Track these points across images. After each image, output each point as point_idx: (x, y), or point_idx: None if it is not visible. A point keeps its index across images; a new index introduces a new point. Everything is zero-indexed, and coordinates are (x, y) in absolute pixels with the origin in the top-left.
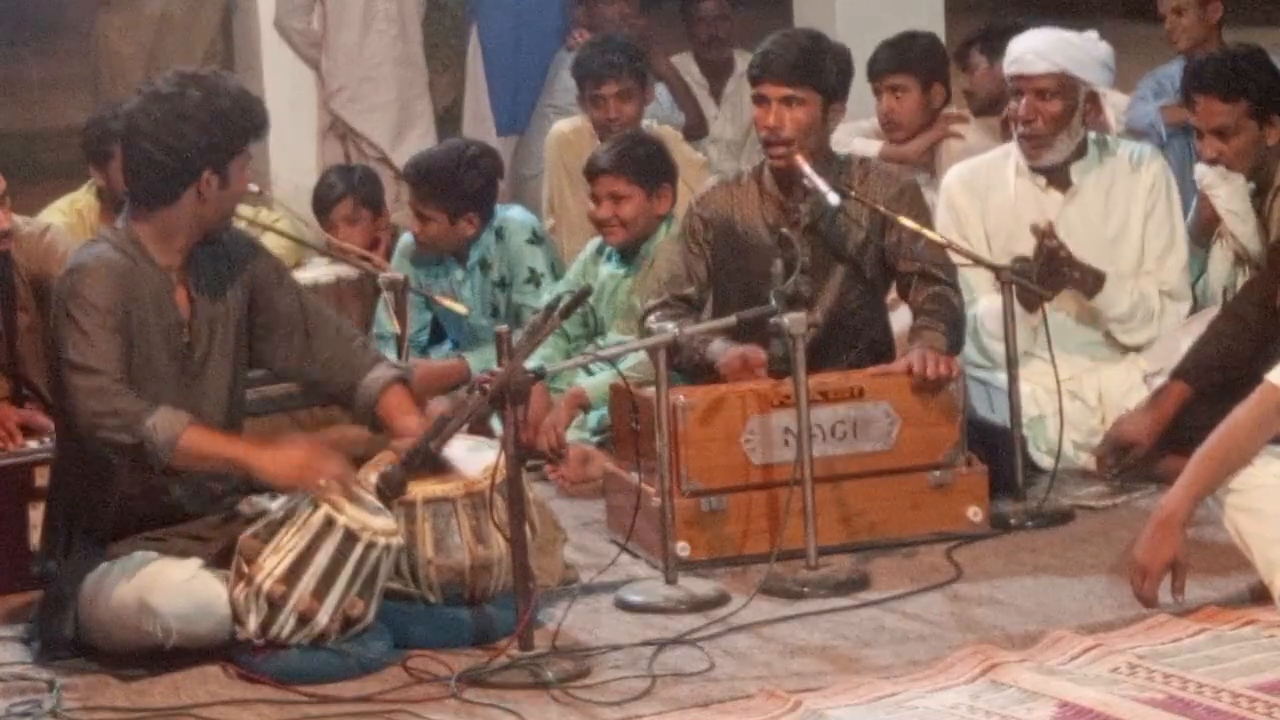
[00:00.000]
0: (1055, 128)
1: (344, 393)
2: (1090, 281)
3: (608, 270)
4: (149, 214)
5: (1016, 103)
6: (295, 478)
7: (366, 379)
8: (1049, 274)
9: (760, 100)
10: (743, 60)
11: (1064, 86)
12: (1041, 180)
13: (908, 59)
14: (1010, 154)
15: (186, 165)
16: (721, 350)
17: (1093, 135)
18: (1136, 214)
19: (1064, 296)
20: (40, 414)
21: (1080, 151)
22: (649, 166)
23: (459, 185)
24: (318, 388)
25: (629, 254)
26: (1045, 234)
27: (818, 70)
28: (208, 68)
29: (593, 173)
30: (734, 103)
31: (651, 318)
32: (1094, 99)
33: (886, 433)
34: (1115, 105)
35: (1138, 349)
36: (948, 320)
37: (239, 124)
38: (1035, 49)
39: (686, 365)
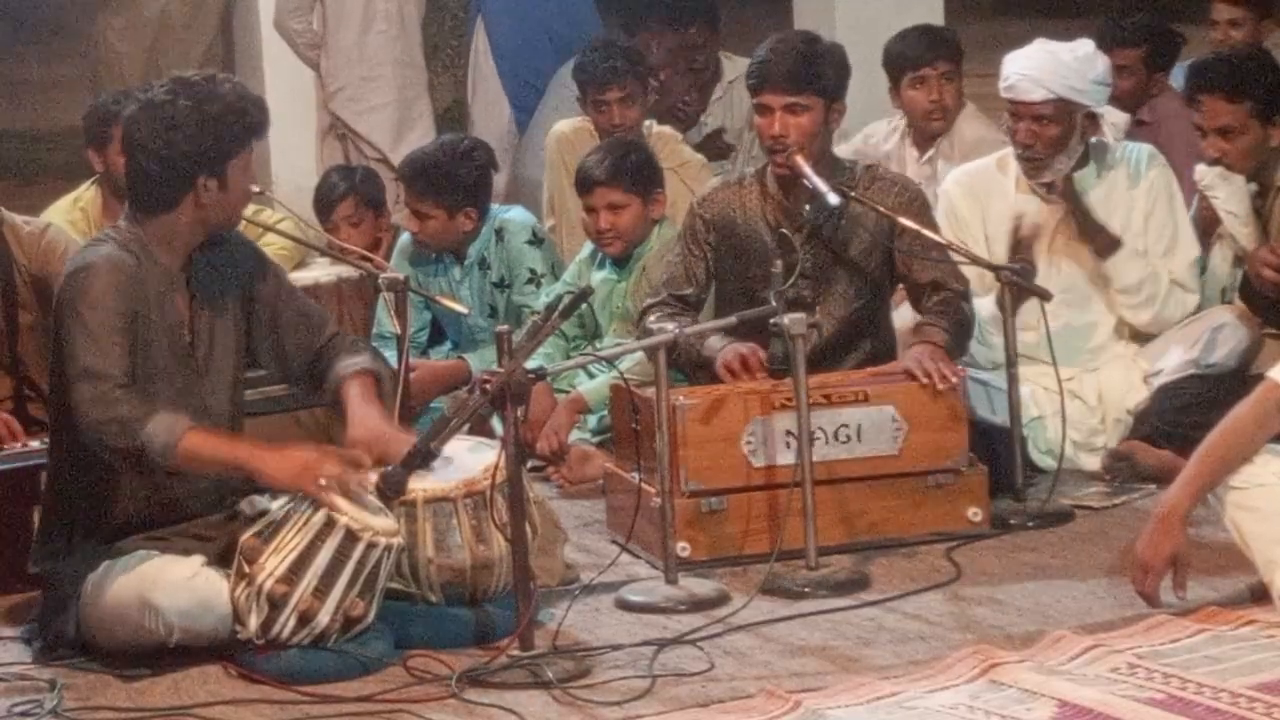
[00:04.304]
0: (1054, 150)
1: (316, 381)
2: (1105, 242)
3: (602, 275)
4: (150, 219)
5: (1014, 124)
6: (296, 479)
7: (338, 365)
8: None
9: (762, 109)
10: (730, 65)
11: (1061, 112)
12: (1042, 189)
13: (951, 45)
14: (1009, 162)
15: (179, 173)
16: (718, 347)
17: (1093, 140)
18: (1137, 217)
19: (1066, 296)
20: (14, 421)
21: (1082, 160)
22: (642, 174)
23: (455, 179)
24: (294, 378)
25: (623, 259)
26: (1023, 232)
27: (817, 75)
28: (204, 72)
29: (587, 185)
30: (724, 108)
31: (651, 317)
32: (1092, 117)
33: (893, 437)
34: (1114, 125)
35: (1140, 344)
36: (951, 321)
37: (232, 128)
38: (1031, 75)
39: (684, 362)
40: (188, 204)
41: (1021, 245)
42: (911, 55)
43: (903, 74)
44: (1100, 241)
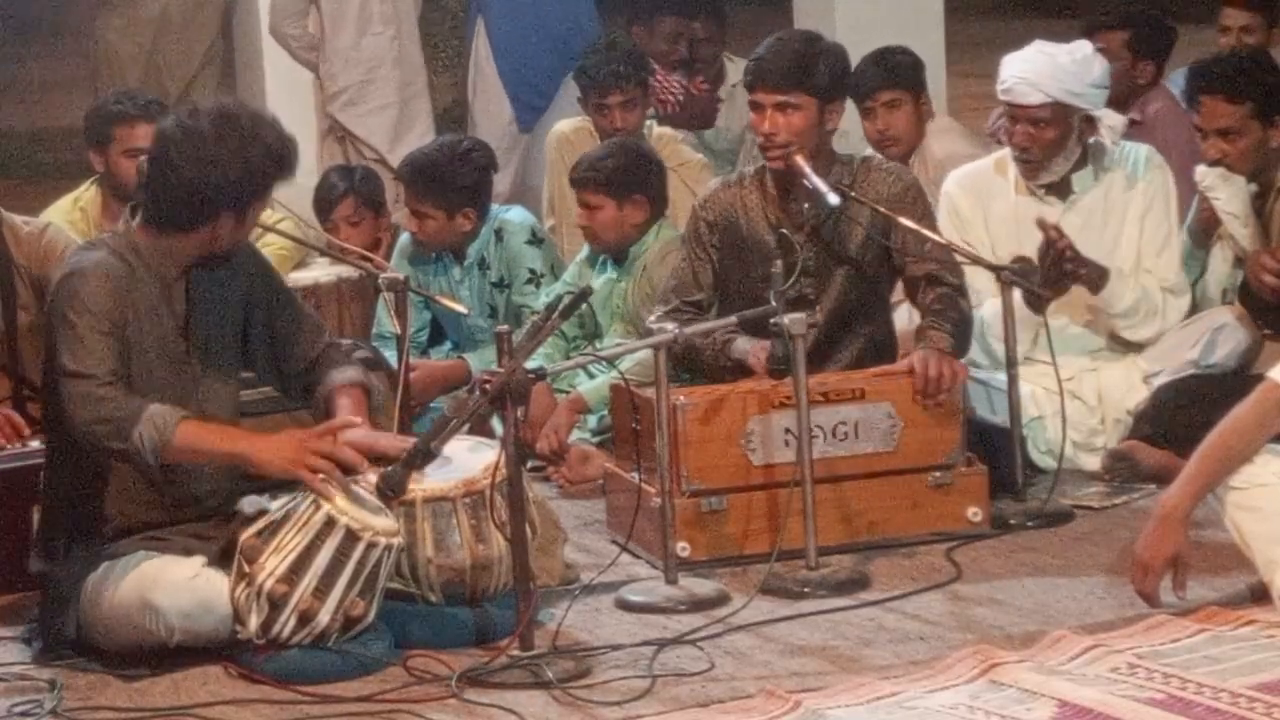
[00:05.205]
0: (1050, 153)
1: (308, 391)
2: (1095, 277)
3: (602, 276)
4: (158, 233)
5: (1011, 126)
6: (289, 465)
7: (329, 377)
8: (1056, 273)
9: (756, 107)
10: (733, 67)
11: (1058, 115)
12: (1041, 189)
13: (897, 72)
14: (1007, 163)
15: (205, 206)
16: (747, 349)
17: (1091, 140)
18: (1134, 214)
19: (1066, 297)
20: (17, 416)
21: (1080, 162)
22: (618, 179)
23: (454, 180)
24: (286, 386)
25: (620, 258)
26: (1053, 231)
27: (811, 74)
28: (245, 106)
29: (573, 181)
30: (727, 111)
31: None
32: (1089, 120)
33: (888, 434)
34: (1112, 128)
35: (1139, 349)
36: (953, 322)
37: (267, 173)
38: (1028, 78)
39: (710, 366)
40: (203, 233)
41: (1052, 246)
42: (859, 86)
43: (858, 104)
44: (1090, 276)
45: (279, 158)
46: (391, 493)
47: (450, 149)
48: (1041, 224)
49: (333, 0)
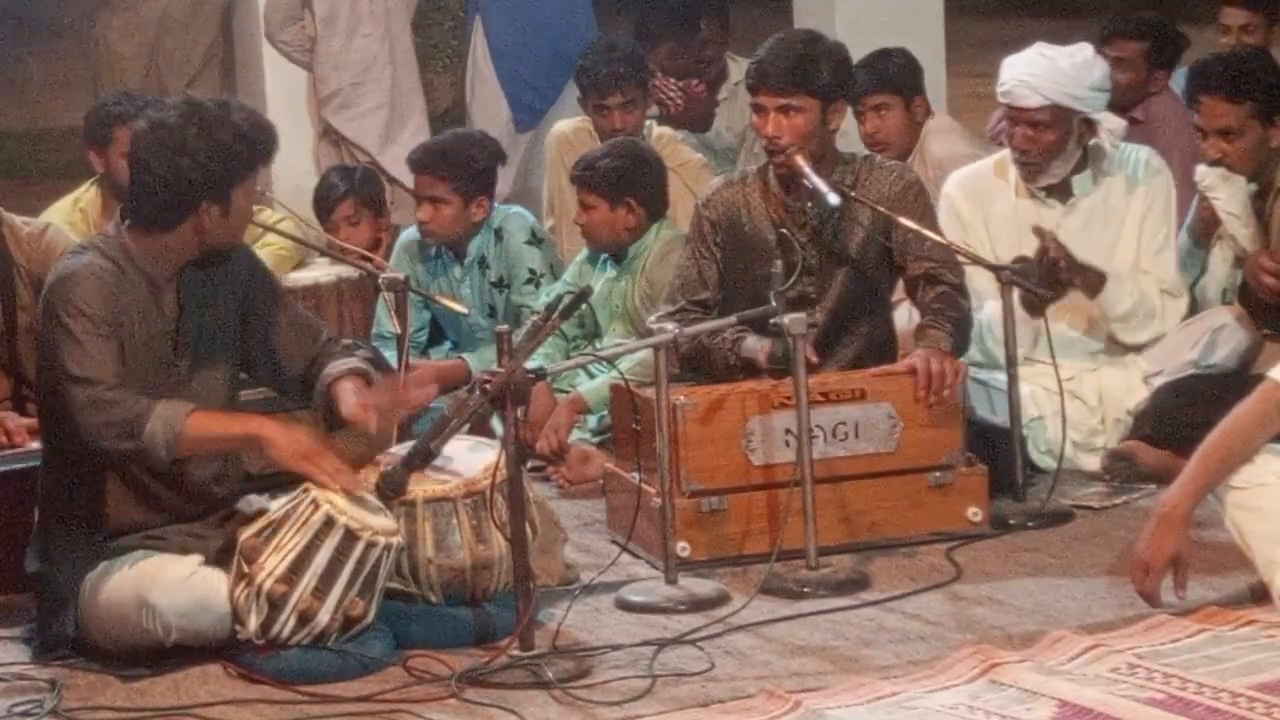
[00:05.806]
0: (1050, 156)
1: (307, 387)
2: (1092, 282)
3: (602, 275)
4: (145, 234)
5: (1010, 128)
6: (299, 459)
7: (327, 369)
8: (1050, 279)
9: (758, 109)
10: (735, 66)
11: (1058, 118)
12: (1041, 192)
13: (885, 76)
14: (1007, 165)
15: (183, 198)
16: (758, 348)
17: (1091, 142)
18: (1134, 215)
19: (1065, 301)
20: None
21: (1079, 165)
22: (612, 180)
23: (473, 163)
24: (287, 388)
25: (620, 258)
26: (1047, 239)
27: (813, 75)
28: (217, 97)
29: (572, 179)
30: (728, 110)
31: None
32: (1089, 123)
33: (889, 434)
34: (1111, 131)
35: (1139, 349)
36: (953, 321)
37: (240, 156)
38: (1028, 81)
39: (720, 368)
40: (188, 227)
41: (1046, 256)
42: (854, 90)
43: (850, 106)
44: (1087, 280)
45: (249, 139)
46: (391, 493)
47: (464, 135)
48: (1038, 231)
49: (324, 3)
